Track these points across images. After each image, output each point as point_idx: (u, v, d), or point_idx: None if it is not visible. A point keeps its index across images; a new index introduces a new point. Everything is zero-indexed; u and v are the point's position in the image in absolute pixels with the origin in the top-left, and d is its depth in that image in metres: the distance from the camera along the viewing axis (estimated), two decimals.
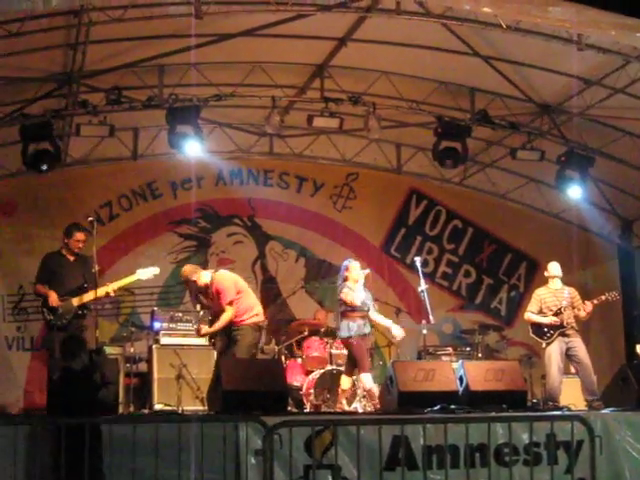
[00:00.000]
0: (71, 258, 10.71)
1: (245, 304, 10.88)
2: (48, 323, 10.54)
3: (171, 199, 15.32)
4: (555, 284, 11.79)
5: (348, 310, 11.12)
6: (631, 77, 11.88)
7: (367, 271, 11.25)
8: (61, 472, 6.69)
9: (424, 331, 11.98)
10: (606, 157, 14.02)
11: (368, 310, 11.21)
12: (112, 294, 10.85)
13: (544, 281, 12.03)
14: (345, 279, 11.23)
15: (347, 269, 11.27)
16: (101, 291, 10.49)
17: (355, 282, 11.16)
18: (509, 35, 10.95)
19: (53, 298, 10.40)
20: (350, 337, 11.02)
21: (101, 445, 7.21)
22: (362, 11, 10.92)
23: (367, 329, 11.19)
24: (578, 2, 9.27)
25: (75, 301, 10.46)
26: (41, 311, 10.65)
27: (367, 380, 10.93)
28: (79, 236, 10.73)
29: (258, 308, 11.00)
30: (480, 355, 13.82)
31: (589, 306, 11.62)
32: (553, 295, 11.71)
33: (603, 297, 11.75)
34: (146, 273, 11.23)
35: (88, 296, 10.50)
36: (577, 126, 13.55)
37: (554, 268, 11.81)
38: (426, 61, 12.53)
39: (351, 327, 11.04)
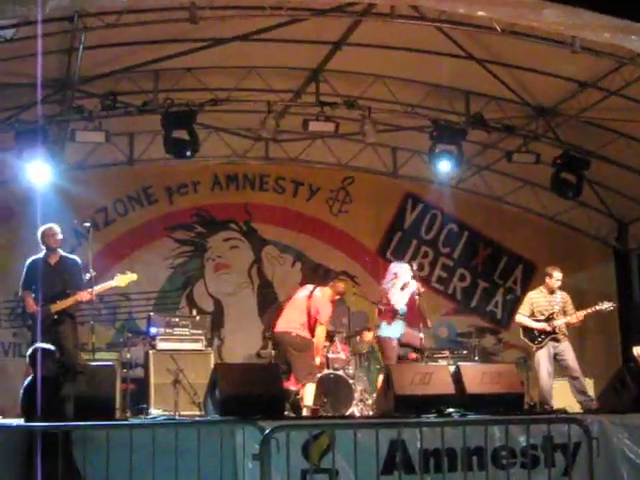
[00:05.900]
0: (52, 262, 10.65)
1: None
2: (29, 329, 10.49)
3: (167, 204, 15.32)
4: (550, 289, 11.77)
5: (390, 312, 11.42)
6: (625, 79, 11.88)
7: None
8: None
9: (420, 335, 11.98)
10: (601, 159, 14.03)
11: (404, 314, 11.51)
12: (89, 299, 10.57)
13: (540, 284, 12.04)
14: (395, 283, 11.47)
15: (396, 276, 11.52)
16: (78, 297, 10.41)
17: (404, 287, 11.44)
18: (504, 38, 10.95)
19: (29, 304, 10.42)
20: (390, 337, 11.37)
21: (71, 450, 7.17)
22: (357, 15, 10.92)
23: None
24: (572, 5, 9.28)
25: (53, 307, 10.39)
26: (22, 317, 10.63)
27: None
28: (48, 231, 10.66)
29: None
30: (476, 358, 13.81)
31: (581, 315, 11.62)
32: (546, 300, 11.70)
33: (597, 307, 11.72)
34: (124, 279, 11.09)
35: (65, 302, 10.44)
36: (572, 128, 13.57)
37: (559, 274, 11.76)
38: (421, 64, 12.54)
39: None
